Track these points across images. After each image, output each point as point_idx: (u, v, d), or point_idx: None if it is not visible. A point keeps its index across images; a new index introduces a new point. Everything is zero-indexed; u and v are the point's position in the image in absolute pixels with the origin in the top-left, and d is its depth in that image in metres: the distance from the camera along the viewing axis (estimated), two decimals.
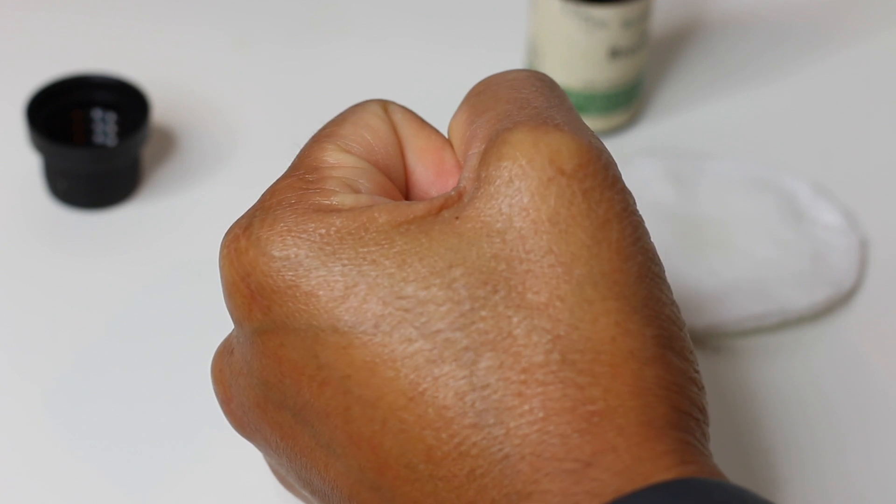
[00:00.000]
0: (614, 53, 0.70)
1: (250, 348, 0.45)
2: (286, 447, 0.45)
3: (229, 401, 0.48)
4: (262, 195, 0.46)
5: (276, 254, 0.44)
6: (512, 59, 0.75)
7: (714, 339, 0.64)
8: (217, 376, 0.48)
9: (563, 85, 0.71)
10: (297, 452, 0.45)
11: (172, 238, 0.67)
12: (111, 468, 0.58)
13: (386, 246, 0.43)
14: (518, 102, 0.45)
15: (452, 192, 0.43)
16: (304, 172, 0.46)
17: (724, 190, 0.69)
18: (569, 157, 0.42)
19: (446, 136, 0.49)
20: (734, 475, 0.58)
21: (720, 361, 0.63)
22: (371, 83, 0.74)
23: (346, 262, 0.43)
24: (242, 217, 0.45)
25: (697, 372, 0.43)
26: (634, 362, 0.41)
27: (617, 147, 0.73)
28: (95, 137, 0.69)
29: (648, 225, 0.67)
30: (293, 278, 0.43)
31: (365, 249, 0.43)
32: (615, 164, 0.44)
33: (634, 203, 0.44)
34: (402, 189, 0.48)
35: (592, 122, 0.72)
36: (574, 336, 0.41)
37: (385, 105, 0.48)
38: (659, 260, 0.44)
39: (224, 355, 0.48)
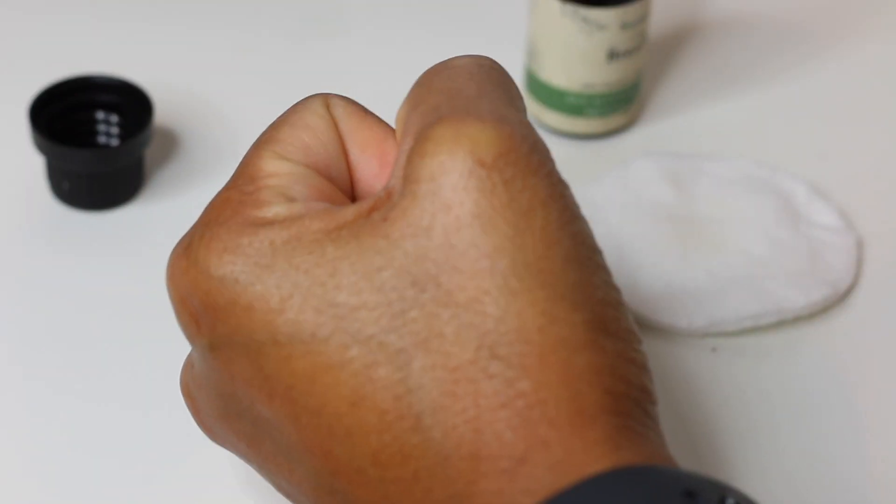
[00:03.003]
0: (613, 55, 0.70)
1: (204, 363, 0.46)
2: (253, 454, 0.46)
3: (198, 412, 0.48)
4: (204, 209, 0.46)
5: (214, 273, 0.44)
6: (512, 60, 0.75)
7: (711, 339, 0.64)
8: (184, 390, 0.49)
9: (562, 87, 0.71)
10: (263, 459, 0.46)
11: (175, 239, 0.66)
12: (110, 468, 0.58)
13: (318, 254, 0.43)
14: (449, 93, 0.45)
15: (382, 193, 0.43)
16: (241, 183, 0.46)
17: (721, 190, 0.69)
18: (488, 148, 0.42)
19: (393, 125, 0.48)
20: (728, 475, 0.59)
21: (717, 361, 0.63)
22: (371, 83, 0.74)
23: (280, 274, 0.43)
24: (186, 234, 0.46)
25: (638, 351, 0.43)
26: (564, 350, 0.41)
27: (615, 148, 0.73)
28: (98, 139, 0.69)
29: (648, 225, 0.67)
30: (232, 295, 0.44)
31: (298, 259, 0.43)
32: (543, 150, 0.44)
33: (566, 187, 0.44)
34: (347, 185, 0.47)
35: (591, 124, 0.72)
36: (501, 330, 0.41)
37: (327, 100, 0.48)
38: (592, 242, 0.44)
39: (187, 369, 0.48)
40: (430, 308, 0.41)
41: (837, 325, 0.65)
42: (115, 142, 0.69)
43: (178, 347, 0.62)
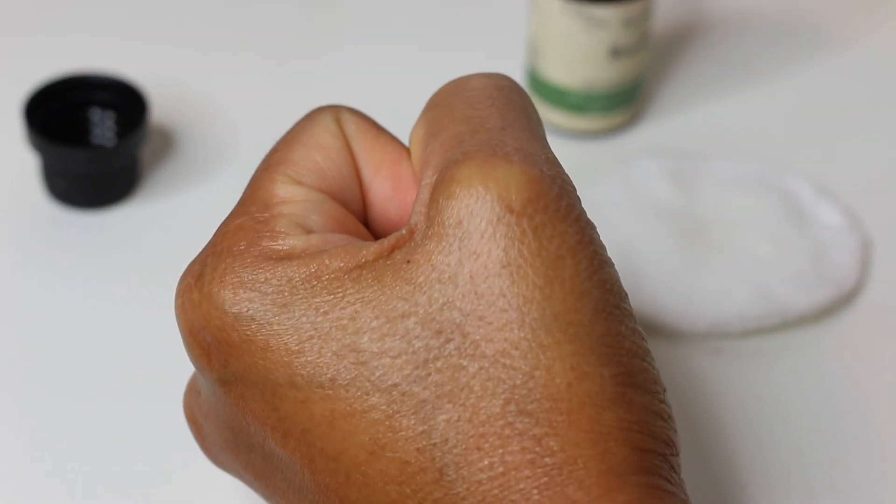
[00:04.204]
0: (615, 53, 0.70)
1: (214, 396, 0.45)
2: (261, 487, 0.45)
3: (203, 439, 0.48)
4: (215, 234, 0.45)
5: (228, 309, 0.43)
6: (512, 59, 0.75)
7: (715, 340, 0.64)
8: (189, 415, 0.48)
9: (563, 85, 0.71)
10: (272, 492, 0.45)
11: (171, 238, 0.67)
12: (110, 468, 0.58)
13: (339, 295, 0.42)
14: (472, 123, 0.44)
15: (404, 231, 0.42)
16: (254, 210, 0.44)
17: (724, 190, 0.69)
18: (517, 193, 0.41)
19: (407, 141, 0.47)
20: (733, 477, 0.58)
21: (721, 362, 0.63)
22: (371, 83, 0.75)
23: (298, 315, 0.42)
24: (195, 261, 0.45)
25: (663, 402, 0.42)
26: (592, 407, 0.40)
27: (617, 147, 0.73)
28: (94, 137, 0.69)
29: (651, 224, 0.67)
30: (247, 333, 0.43)
31: (318, 300, 0.42)
32: (571, 192, 0.43)
33: (593, 229, 0.43)
34: (360, 208, 0.46)
35: (593, 122, 0.72)
36: (530, 385, 0.40)
37: (338, 115, 0.47)
38: (620, 289, 0.43)
39: (192, 394, 0.48)
40: (455, 359, 0.41)
41: (842, 326, 0.65)
42: (110, 141, 0.69)
43: (175, 347, 0.61)
